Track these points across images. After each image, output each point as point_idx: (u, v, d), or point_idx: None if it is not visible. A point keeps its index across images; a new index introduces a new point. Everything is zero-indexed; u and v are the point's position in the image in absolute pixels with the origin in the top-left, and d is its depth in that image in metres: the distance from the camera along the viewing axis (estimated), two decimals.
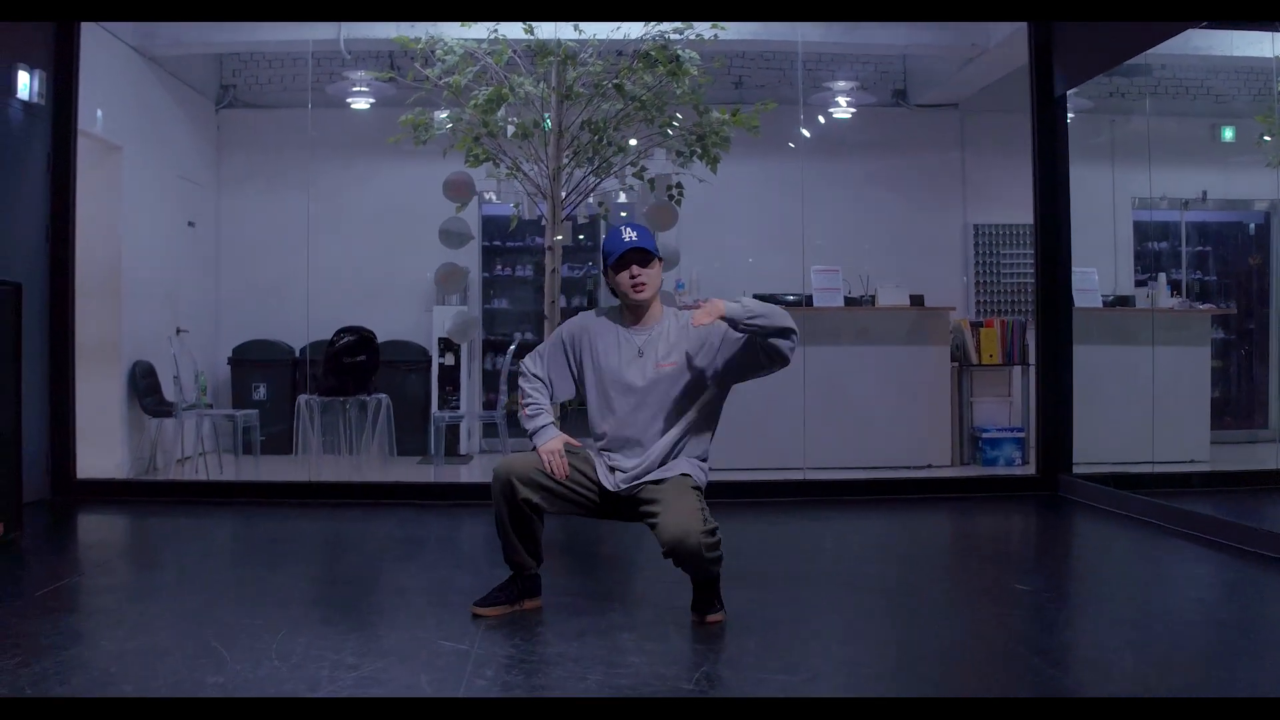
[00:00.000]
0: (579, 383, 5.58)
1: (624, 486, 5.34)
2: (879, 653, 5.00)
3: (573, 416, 7.49)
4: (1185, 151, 11.65)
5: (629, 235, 5.36)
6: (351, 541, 7.85)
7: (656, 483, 5.28)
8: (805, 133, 11.45)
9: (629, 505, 5.39)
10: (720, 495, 8.67)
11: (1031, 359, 10.57)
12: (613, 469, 5.40)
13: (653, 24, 8.93)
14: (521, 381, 5.59)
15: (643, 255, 5.35)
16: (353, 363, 9.94)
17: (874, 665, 4.79)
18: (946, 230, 12.97)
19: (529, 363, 5.63)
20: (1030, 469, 10.00)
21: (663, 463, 5.34)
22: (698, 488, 5.34)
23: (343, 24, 10.40)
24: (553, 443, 5.38)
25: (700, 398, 5.43)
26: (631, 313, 5.47)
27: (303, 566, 7.01)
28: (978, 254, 12.89)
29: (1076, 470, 9.30)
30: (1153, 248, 12.46)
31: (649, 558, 6.48)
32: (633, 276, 5.34)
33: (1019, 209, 11.57)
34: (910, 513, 8.79)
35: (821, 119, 12.06)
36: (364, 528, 8.16)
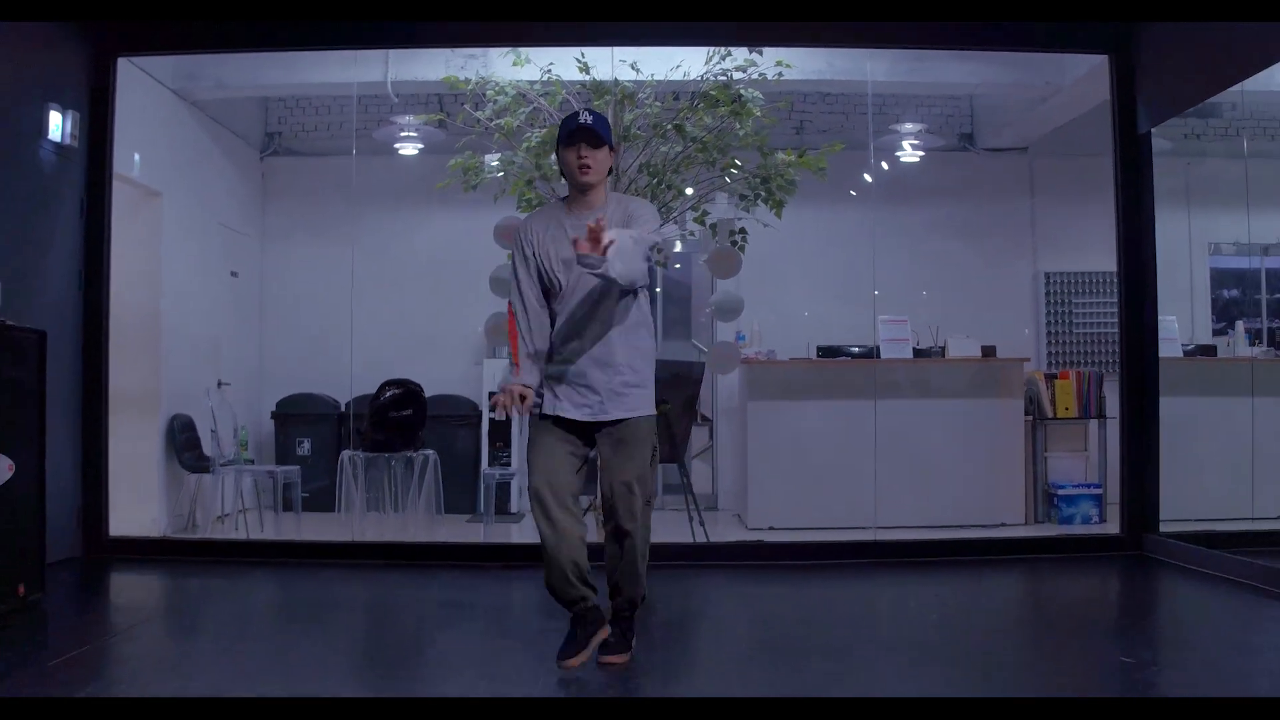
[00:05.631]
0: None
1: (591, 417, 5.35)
2: None
3: None
4: (1265, 194, 11.24)
5: (585, 117, 5.35)
6: (396, 607, 7.39)
7: (617, 423, 5.34)
8: (868, 177, 11.03)
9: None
10: (787, 557, 8.40)
11: (1109, 412, 10.28)
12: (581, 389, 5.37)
13: (714, 62, 8.59)
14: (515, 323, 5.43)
15: (593, 137, 5.32)
16: (399, 417, 9.50)
17: None
18: (1016, 278, 12.51)
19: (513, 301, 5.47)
20: (1110, 527, 9.54)
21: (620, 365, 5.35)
22: (649, 441, 5.41)
23: (390, 64, 10.11)
24: (514, 385, 5.29)
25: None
26: (577, 199, 5.45)
27: (343, 636, 6.55)
28: (1049, 303, 12.41)
29: (1162, 529, 8.78)
30: (1226, 294, 12.02)
31: (712, 623, 6.02)
32: (580, 156, 5.32)
33: (1092, 256, 11.34)
34: (987, 575, 8.27)
35: (885, 164, 11.62)
36: (409, 592, 7.73)
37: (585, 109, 5.46)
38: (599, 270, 4.94)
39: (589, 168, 5.33)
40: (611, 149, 5.45)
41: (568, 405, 5.34)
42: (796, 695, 4.89)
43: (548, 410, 5.38)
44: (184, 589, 7.94)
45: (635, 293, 5.38)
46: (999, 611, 7.38)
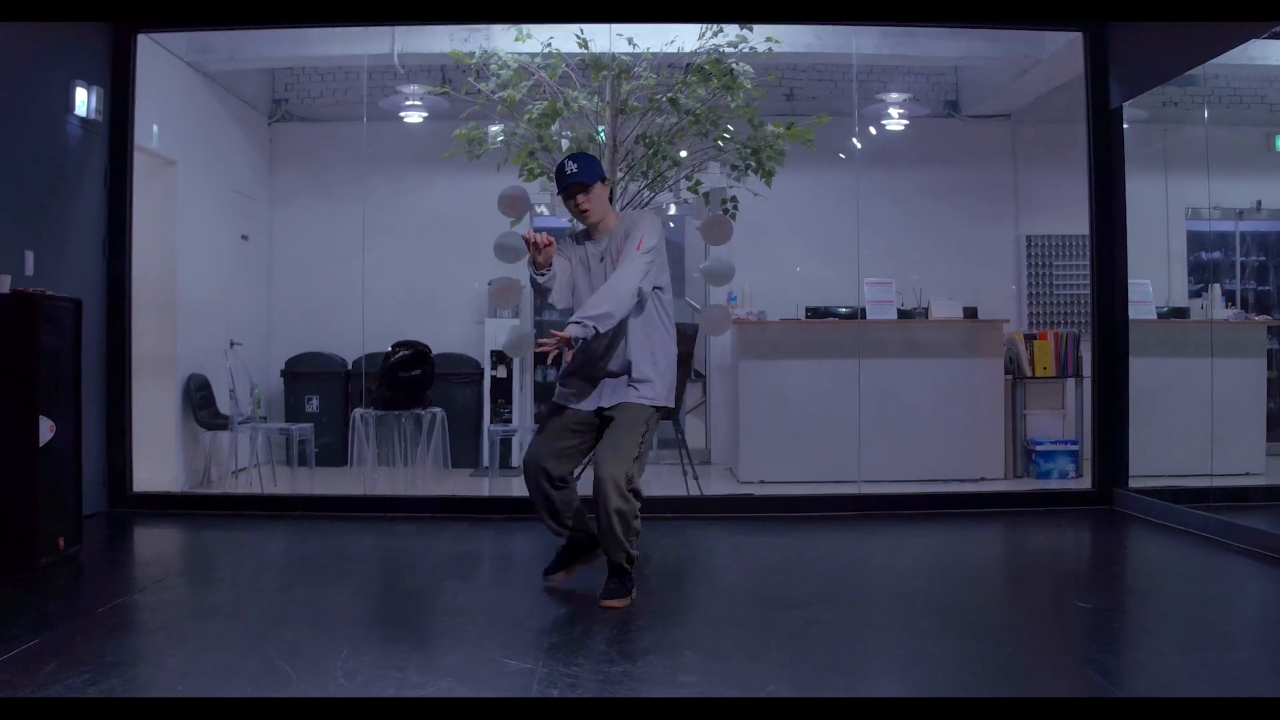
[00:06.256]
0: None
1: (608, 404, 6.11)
2: (940, 672, 4.94)
3: None
4: (1240, 161, 11.54)
5: (570, 168, 6.09)
6: (409, 557, 7.82)
7: (616, 407, 6.08)
8: (857, 143, 11.37)
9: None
10: (774, 510, 8.82)
11: (1086, 371, 10.59)
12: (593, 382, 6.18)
13: (707, 37, 8.91)
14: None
15: (581, 186, 6.09)
16: (408, 377, 9.95)
17: (935, 685, 4.73)
18: (999, 241, 12.89)
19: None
20: (1084, 482, 9.96)
21: (627, 365, 6.09)
22: (645, 422, 6.05)
23: (396, 38, 10.37)
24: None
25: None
26: (589, 229, 6.24)
27: (362, 583, 7.02)
28: (1030, 265, 12.79)
29: (1132, 484, 9.22)
30: (1205, 257, 12.32)
31: (706, 572, 6.52)
32: (577, 205, 6.12)
33: (1072, 220, 11.51)
34: (966, 527, 8.70)
35: (873, 130, 11.98)
36: (420, 543, 8.14)
37: (569, 159, 6.15)
38: (584, 334, 5.78)
39: (588, 211, 6.14)
40: (604, 180, 6.19)
41: (574, 396, 6.18)
42: (782, 639, 5.33)
43: (558, 400, 6.20)
44: (207, 541, 8.34)
45: (643, 301, 6.08)
46: (973, 562, 7.84)
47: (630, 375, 6.08)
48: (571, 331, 5.72)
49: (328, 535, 8.39)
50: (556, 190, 6.22)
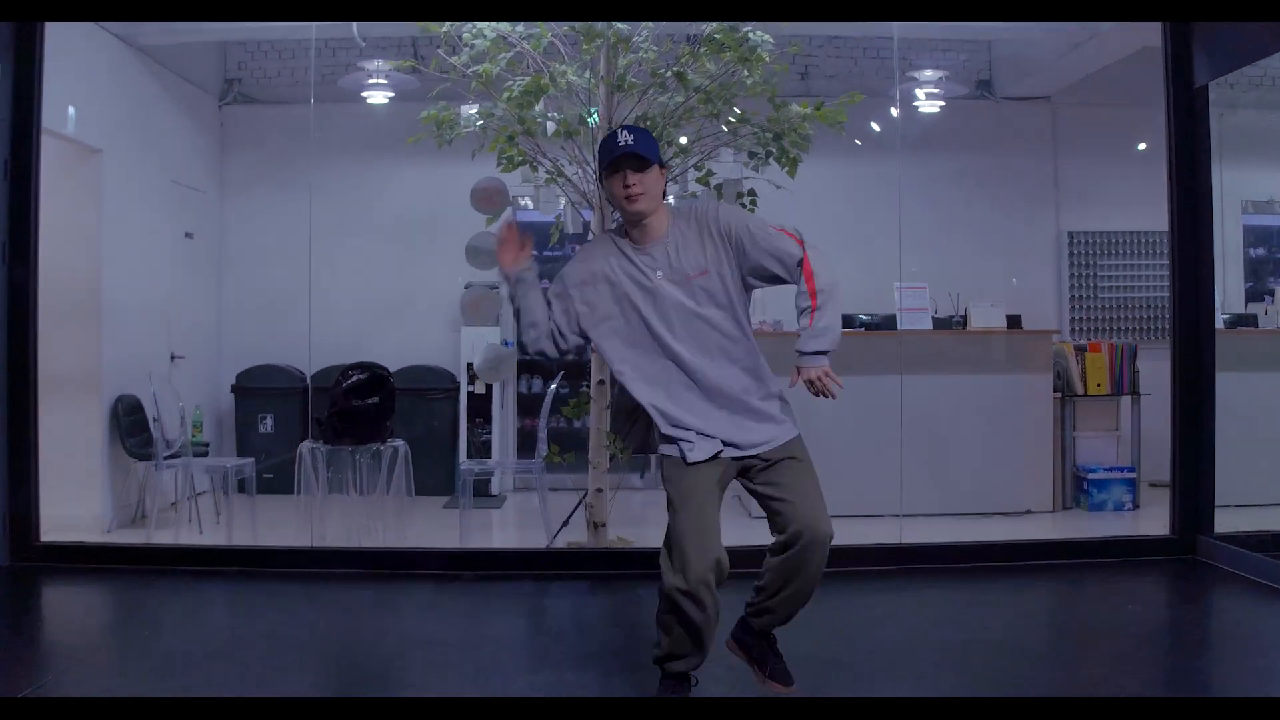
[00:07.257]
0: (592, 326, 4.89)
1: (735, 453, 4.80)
2: None
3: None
4: None
5: (624, 139, 4.74)
6: (362, 647, 6.27)
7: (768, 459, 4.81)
8: (879, 127, 10.17)
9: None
10: None
11: (1142, 388, 9.68)
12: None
13: None
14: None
15: (637, 160, 4.70)
16: (363, 405, 8.46)
17: None
18: (1037, 238, 11.75)
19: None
20: (1148, 518, 9.03)
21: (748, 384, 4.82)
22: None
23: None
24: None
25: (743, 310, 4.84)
26: (635, 229, 4.82)
27: (308, 688, 5.49)
28: (1073, 265, 11.58)
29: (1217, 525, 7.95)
30: (1253, 253, 11.28)
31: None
32: (626, 185, 4.70)
33: (1120, 214, 10.68)
34: (1031, 591, 7.41)
35: (894, 111, 10.70)
36: (376, 619, 6.75)
37: (624, 128, 4.78)
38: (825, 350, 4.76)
39: (640, 195, 4.69)
40: (662, 167, 4.82)
41: (710, 434, 4.78)
42: None
43: (687, 450, 4.77)
44: (120, 616, 7.05)
45: (734, 309, 4.79)
46: (1052, 647, 6.43)
47: (761, 394, 4.83)
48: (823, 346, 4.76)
49: (267, 605, 7.06)
50: (601, 168, 4.83)
